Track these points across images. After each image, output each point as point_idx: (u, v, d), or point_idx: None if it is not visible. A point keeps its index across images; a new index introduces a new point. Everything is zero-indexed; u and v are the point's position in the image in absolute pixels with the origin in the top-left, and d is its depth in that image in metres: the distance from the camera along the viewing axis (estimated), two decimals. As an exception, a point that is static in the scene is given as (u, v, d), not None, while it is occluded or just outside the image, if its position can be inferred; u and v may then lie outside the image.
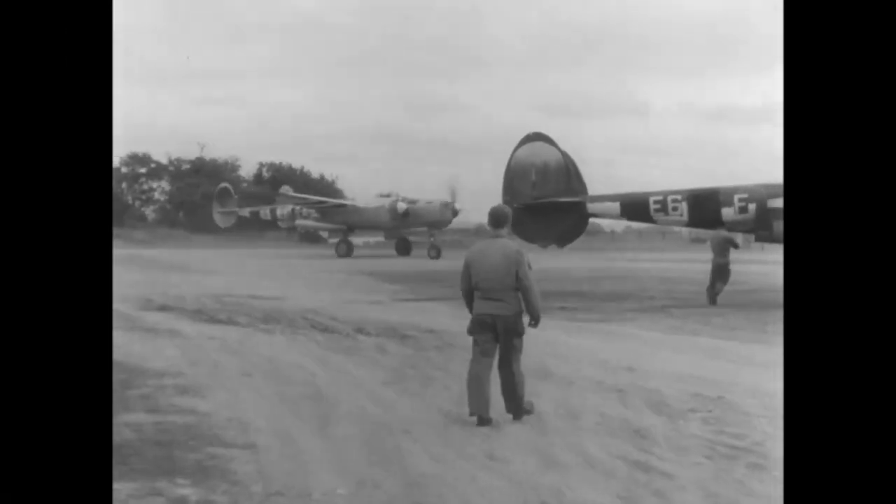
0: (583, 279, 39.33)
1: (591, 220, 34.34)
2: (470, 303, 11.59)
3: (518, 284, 11.13)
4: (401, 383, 13.84)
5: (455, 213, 69.41)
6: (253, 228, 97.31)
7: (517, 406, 11.40)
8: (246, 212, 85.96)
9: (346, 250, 70.30)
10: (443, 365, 15.55)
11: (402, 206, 69.07)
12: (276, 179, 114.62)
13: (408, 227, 71.75)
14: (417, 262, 57.51)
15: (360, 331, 20.36)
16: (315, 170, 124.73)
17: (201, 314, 23.98)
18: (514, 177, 31.86)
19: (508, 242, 11.38)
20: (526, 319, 11.36)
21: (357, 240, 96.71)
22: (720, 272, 28.53)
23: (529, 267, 11.20)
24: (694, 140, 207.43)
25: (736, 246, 29.20)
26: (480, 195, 70.58)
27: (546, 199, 31.07)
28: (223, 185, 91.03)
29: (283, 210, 79.52)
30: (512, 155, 32.14)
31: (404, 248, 74.19)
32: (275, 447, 9.89)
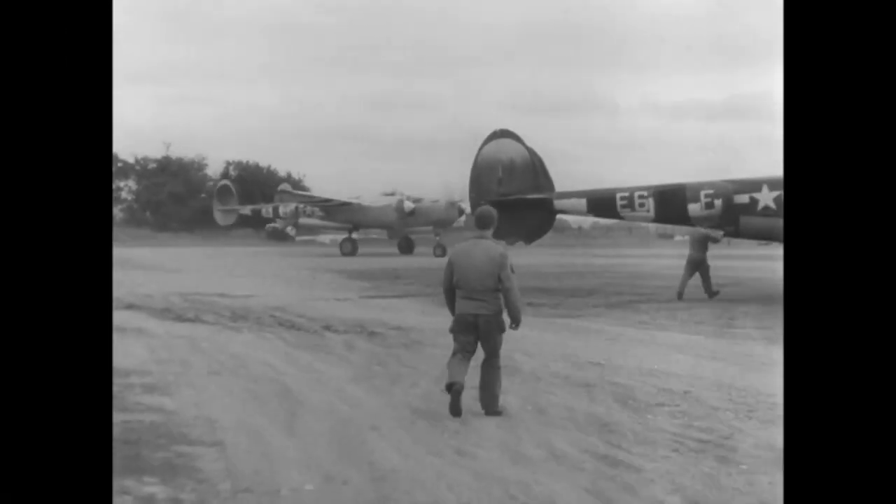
0: (550, 275, 39.36)
1: (558, 216, 34.37)
2: (450, 300, 11.75)
3: (500, 286, 11.30)
4: (368, 380, 13.83)
5: (461, 211, 68.23)
6: (253, 227, 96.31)
7: (492, 402, 11.51)
8: (247, 210, 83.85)
9: (351, 249, 69.21)
10: (410, 362, 15.54)
11: (408, 204, 68.17)
12: (244, 178, 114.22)
13: (413, 226, 70.77)
14: (424, 261, 56.53)
15: (327, 328, 20.36)
16: (282, 168, 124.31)
17: (169, 312, 23.88)
18: (481, 174, 31.90)
19: (492, 244, 11.54)
20: (507, 321, 11.52)
21: (325, 238, 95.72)
22: (696, 267, 28.74)
23: (512, 270, 11.36)
24: (659, 136, 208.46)
25: (716, 241, 29.43)
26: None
27: (513, 196, 31.08)
28: (223, 182, 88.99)
29: (286, 208, 77.54)
30: (479, 152, 32.16)
31: (407, 247, 73.16)
32: (242, 445, 9.87)
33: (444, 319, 11.81)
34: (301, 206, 75.96)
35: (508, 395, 12.06)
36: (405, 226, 70.68)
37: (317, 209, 74.13)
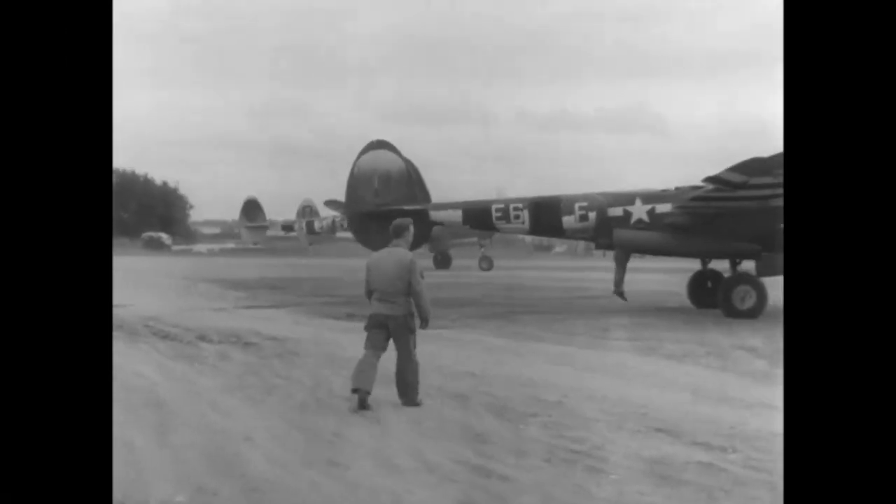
0: (427, 286, 39.35)
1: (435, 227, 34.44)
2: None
3: (410, 290, 12.47)
4: (242, 390, 13.76)
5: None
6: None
7: (408, 391, 12.56)
8: (279, 225, 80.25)
9: None
10: (285, 372, 15.50)
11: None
12: (121, 186, 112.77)
13: (461, 237, 65.88)
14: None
15: (202, 338, 20.18)
16: (158, 176, 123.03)
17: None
18: (358, 184, 31.82)
19: (404, 252, 12.79)
20: (418, 322, 12.69)
21: (202, 247, 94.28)
22: (620, 261, 29.25)
23: (422, 275, 12.55)
24: (532, 147, 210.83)
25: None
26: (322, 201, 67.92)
27: (389, 207, 31.08)
28: (250, 197, 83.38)
29: (321, 223, 74.25)
30: (355, 163, 32.08)
31: (444, 262, 69.36)
32: (114, 456, 9.75)
33: (318, 330, 11.84)
34: (338, 219, 70.58)
35: (381, 405, 12.14)
36: (452, 237, 66.22)
37: None
